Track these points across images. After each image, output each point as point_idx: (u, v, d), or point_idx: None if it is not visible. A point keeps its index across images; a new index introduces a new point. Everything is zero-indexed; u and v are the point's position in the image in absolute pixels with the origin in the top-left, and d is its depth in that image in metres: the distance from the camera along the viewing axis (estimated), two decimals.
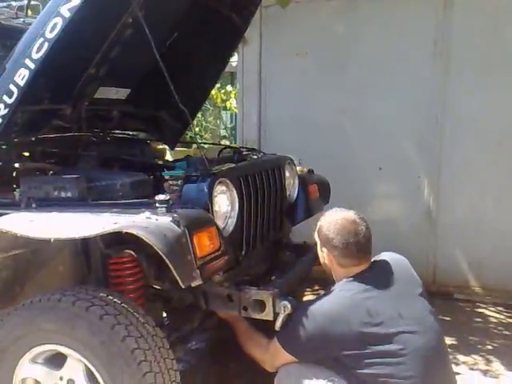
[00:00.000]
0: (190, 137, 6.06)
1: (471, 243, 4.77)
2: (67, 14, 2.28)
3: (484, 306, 4.62)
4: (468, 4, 4.58)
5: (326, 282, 2.58)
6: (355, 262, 2.32)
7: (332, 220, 2.37)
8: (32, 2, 3.75)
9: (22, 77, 2.37)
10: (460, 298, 4.74)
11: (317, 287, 4.73)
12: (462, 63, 4.61)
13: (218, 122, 10.55)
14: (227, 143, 9.65)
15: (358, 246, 2.30)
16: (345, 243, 2.29)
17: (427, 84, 4.73)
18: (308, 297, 4.47)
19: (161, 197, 2.27)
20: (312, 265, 3.30)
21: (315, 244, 2.49)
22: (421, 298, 2.32)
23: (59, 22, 2.29)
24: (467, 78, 4.62)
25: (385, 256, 2.45)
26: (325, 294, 2.31)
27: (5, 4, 3.63)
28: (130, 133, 3.90)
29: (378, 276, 2.31)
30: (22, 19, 3.42)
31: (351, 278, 2.29)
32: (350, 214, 2.36)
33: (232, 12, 3.27)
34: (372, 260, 2.39)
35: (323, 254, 2.41)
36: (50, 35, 2.32)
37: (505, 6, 4.46)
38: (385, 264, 2.38)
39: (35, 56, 2.34)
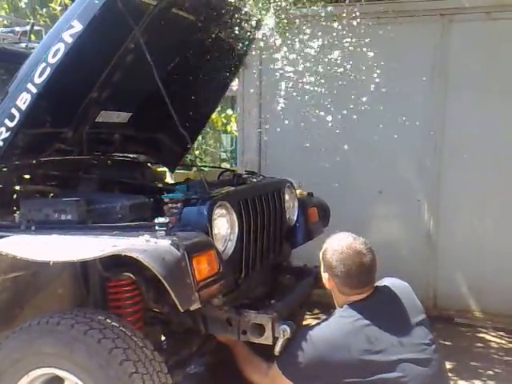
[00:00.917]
0: (190, 159, 6.09)
1: (472, 267, 4.76)
2: (69, 40, 2.32)
3: (485, 330, 4.59)
4: (465, 29, 4.64)
5: (326, 306, 2.57)
6: (356, 292, 2.29)
7: (337, 246, 2.32)
8: (35, 28, 3.80)
9: (24, 101, 2.40)
10: (461, 323, 4.71)
11: (317, 311, 4.70)
12: (460, 87, 4.66)
13: (218, 145, 10.60)
14: (227, 166, 9.70)
15: (360, 277, 2.27)
16: (347, 273, 2.26)
17: (426, 108, 4.78)
18: (308, 321, 4.45)
19: (160, 220, 2.28)
20: (312, 288, 3.30)
21: (319, 264, 2.47)
22: (422, 326, 2.30)
23: (61, 48, 2.33)
24: (465, 102, 4.66)
25: (387, 282, 2.42)
26: (325, 320, 2.29)
27: (9, 29, 3.68)
28: (131, 155, 3.92)
29: (380, 303, 2.29)
30: (24, 44, 3.47)
31: (352, 305, 2.27)
32: (357, 243, 2.30)
33: (232, 38, 3.32)
34: (374, 285, 2.37)
35: (325, 278, 2.39)
36: (52, 60, 2.35)
37: (500, 31, 4.52)
38: (387, 291, 2.36)
39: (37, 80, 2.38)
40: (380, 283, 2.41)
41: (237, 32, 3.26)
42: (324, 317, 2.37)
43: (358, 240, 2.32)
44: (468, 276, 4.79)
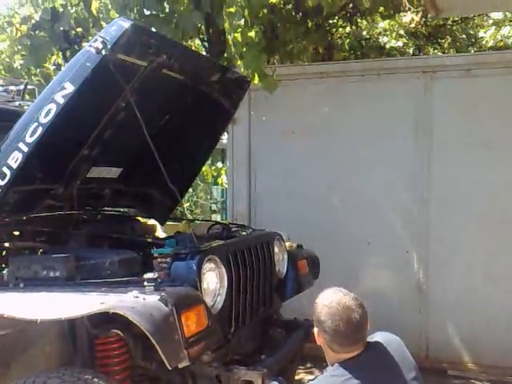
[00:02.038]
0: (181, 211, 6.12)
1: (463, 317, 4.75)
2: (61, 101, 2.39)
3: (479, 383, 4.52)
4: (446, 86, 4.80)
5: (318, 359, 2.53)
6: (346, 350, 2.22)
7: (326, 301, 2.26)
8: (29, 87, 3.90)
9: (15, 160, 2.45)
10: (454, 375, 4.65)
11: (309, 365, 4.63)
12: (444, 141, 4.78)
13: (209, 197, 10.67)
14: (218, 217, 9.73)
15: (348, 335, 2.20)
16: (335, 330, 2.19)
17: (411, 161, 4.88)
18: (301, 375, 4.38)
19: (149, 275, 2.29)
20: (303, 342, 3.27)
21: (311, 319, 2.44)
22: (414, 383, 2.28)
23: (53, 108, 2.39)
24: (450, 155, 4.77)
25: (379, 337, 2.38)
26: (316, 378, 2.26)
27: (2, 89, 3.78)
28: (121, 210, 3.95)
29: (372, 361, 2.24)
30: (18, 103, 3.55)
31: (344, 363, 2.20)
32: (346, 299, 2.23)
33: (221, 96, 3.42)
34: (366, 342, 2.35)
35: (315, 333, 2.36)
36: (44, 120, 2.41)
37: (480, 87, 4.69)
38: (379, 347, 2.31)
39: (29, 140, 2.43)
40: (371, 338, 2.37)
41: (225, 91, 3.37)
42: (317, 373, 2.34)
43: (348, 296, 2.25)
44: (460, 326, 4.77)
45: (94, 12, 4.95)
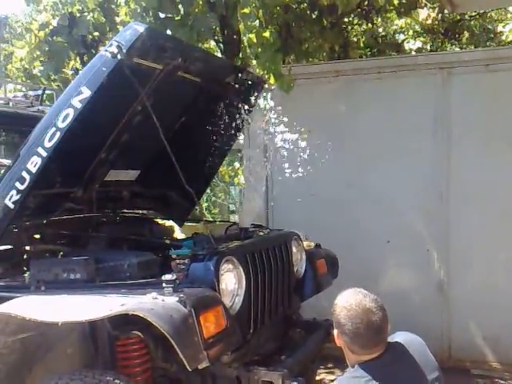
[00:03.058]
0: (200, 211, 6.15)
1: (486, 316, 4.68)
2: (79, 105, 2.42)
3: (503, 382, 4.46)
4: (464, 81, 4.74)
5: (340, 359, 2.50)
6: (366, 352, 2.19)
7: (346, 303, 2.22)
8: (47, 92, 3.95)
9: (34, 164, 2.48)
10: (477, 374, 4.59)
11: (330, 365, 4.61)
12: (463, 137, 4.72)
13: (227, 196, 10.70)
14: (236, 218, 9.74)
15: (369, 337, 2.16)
16: (355, 332, 2.16)
17: (430, 159, 4.83)
18: (322, 375, 4.36)
19: (167, 277, 2.30)
20: (323, 342, 3.26)
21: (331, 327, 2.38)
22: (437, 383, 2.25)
23: (71, 113, 2.42)
24: (468, 151, 4.71)
25: (399, 338, 2.34)
26: (337, 379, 2.25)
27: (22, 94, 3.84)
28: (139, 212, 3.98)
29: (393, 362, 2.20)
30: (36, 108, 3.60)
31: (364, 364, 2.17)
32: (366, 301, 2.19)
33: (237, 97, 3.42)
34: (386, 343, 2.32)
35: (335, 335, 2.34)
36: (61, 125, 2.44)
37: (499, 82, 4.62)
38: (400, 348, 2.27)
39: (47, 144, 2.46)
40: (392, 339, 2.34)
41: (241, 91, 3.37)
42: (339, 373, 2.33)
43: (367, 297, 2.21)
44: (483, 325, 4.71)
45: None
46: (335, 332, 2.30)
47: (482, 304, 4.68)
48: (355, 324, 2.16)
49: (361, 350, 2.19)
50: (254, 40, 4.04)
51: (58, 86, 5.65)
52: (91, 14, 5.45)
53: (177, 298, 2.17)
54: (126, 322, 2.36)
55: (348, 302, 2.21)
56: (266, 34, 4.09)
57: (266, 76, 4.09)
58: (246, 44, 4.10)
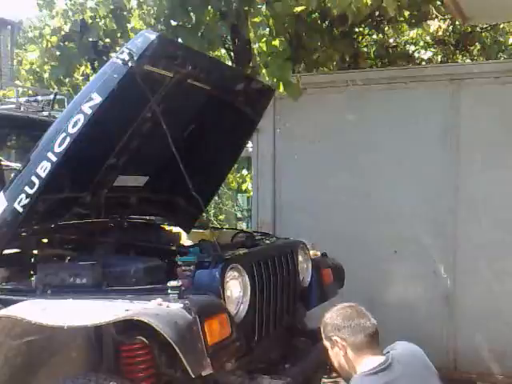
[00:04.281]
0: (207, 217, 6.16)
1: (492, 328, 4.65)
2: (89, 112, 2.44)
3: None
4: (474, 93, 4.74)
5: None
6: (369, 345, 2.27)
7: (336, 309, 2.38)
8: (58, 97, 3.99)
9: (44, 169, 2.50)
10: None
11: (334, 374, 4.59)
12: (472, 149, 4.71)
13: (234, 204, 10.71)
14: (243, 225, 9.75)
15: (366, 325, 2.29)
16: (354, 327, 2.28)
17: (439, 170, 4.81)
18: None
19: (173, 283, 2.31)
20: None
21: (325, 350, 2.43)
22: None
23: (81, 119, 2.45)
24: (477, 163, 4.70)
25: (400, 347, 2.38)
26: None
27: (33, 98, 3.87)
28: (147, 217, 3.99)
29: (394, 371, 2.24)
30: (47, 112, 3.63)
31: (367, 372, 2.22)
32: (351, 304, 2.39)
33: (246, 105, 3.44)
34: (387, 351, 2.34)
35: (335, 350, 2.35)
36: (72, 130, 2.46)
37: (510, 94, 4.61)
38: (400, 357, 2.31)
39: (57, 150, 2.48)
40: (392, 348, 2.37)
41: (250, 100, 3.39)
42: (342, 383, 2.34)
43: (357, 306, 2.39)
44: (489, 337, 4.67)
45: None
46: (333, 341, 2.32)
47: (489, 316, 4.66)
48: (352, 317, 2.30)
49: (364, 342, 2.26)
50: (264, 49, 4.06)
51: (68, 90, 5.70)
52: (103, 21, 5.50)
53: (182, 305, 2.18)
54: (130, 327, 2.37)
55: (337, 308, 2.38)
56: (276, 42, 4.10)
57: (276, 84, 4.10)
58: (256, 52, 4.12)
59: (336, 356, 2.34)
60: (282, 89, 4.17)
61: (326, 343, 2.39)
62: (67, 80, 5.69)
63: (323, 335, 2.40)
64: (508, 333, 4.59)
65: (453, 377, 4.35)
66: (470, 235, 4.73)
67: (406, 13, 6.16)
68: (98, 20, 5.45)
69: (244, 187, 9.07)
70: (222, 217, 10.08)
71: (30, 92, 3.87)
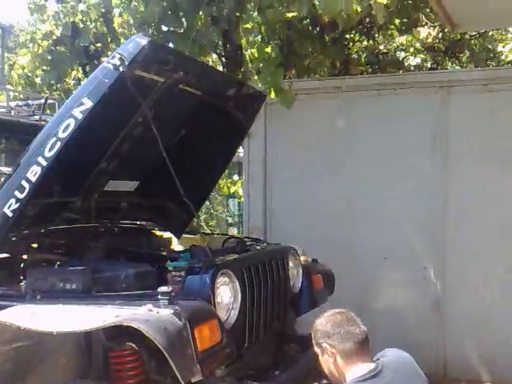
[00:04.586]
0: (198, 223, 6.14)
1: (482, 335, 4.66)
2: (80, 116, 2.43)
3: None
4: (463, 101, 4.77)
5: None
6: (359, 352, 2.26)
7: (325, 316, 2.38)
8: (49, 101, 3.97)
9: (34, 173, 2.49)
10: None
11: (325, 381, 4.58)
12: (461, 156, 4.74)
13: (225, 209, 10.69)
14: (234, 231, 9.74)
15: (356, 332, 2.28)
16: (344, 334, 2.27)
17: (428, 175, 4.84)
18: None
19: (163, 288, 2.30)
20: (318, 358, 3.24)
21: (316, 356, 2.43)
22: None
23: (72, 123, 2.44)
24: (466, 169, 4.73)
25: (390, 354, 2.39)
26: None
27: (24, 103, 3.86)
28: (138, 223, 3.98)
29: (384, 377, 2.23)
30: (38, 116, 3.62)
31: (357, 380, 2.21)
32: (341, 310, 2.39)
33: (237, 110, 3.45)
34: (377, 358, 2.34)
35: (325, 357, 2.35)
36: (62, 135, 2.45)
37: (499, 102, 4.66)
38: (390, 364, 2.31)
39: (48, 154, 2.47)
40: (382, 355, 2.37)
41: (241, 105, 3.39)
42: None
43: (347, 313, 2.39)
44: (479, 344, 4.69)
45: (117, 28, 5.03)
46: (321, 348, 2.31)
47: (478, 322, 4.67)
48: (342, 324, 2.29)
49: (354, 349, 2.25)
50: (256, 55, 4.08)
51: (60, 95, 5.69)
52: (93, 24, 5.49)
53: (172, 311, 2.17)
54: (120, 333, 2.36)
55: (327, 315, 2.38)
56: (268, 49, 4.12)
57: (267, 91, 4.11)
58: (247, 58, 4.13)
59: (326, 363, 2.34)
60: (273, 95, 4.18)
61: (317, 349, 2.39)
62: (59, 85, 5.68)
63: (314, 341, 2.40)
64: (498, 339, 4.61)
65: None
66: (459, 241, 4.75)
67: (397, 20, 6.20)
68: (89, 24, 5.44)
69: (234, 190, 9.05)
70: (212, 222, 10.06)
71: (22, 96, 3.84)
